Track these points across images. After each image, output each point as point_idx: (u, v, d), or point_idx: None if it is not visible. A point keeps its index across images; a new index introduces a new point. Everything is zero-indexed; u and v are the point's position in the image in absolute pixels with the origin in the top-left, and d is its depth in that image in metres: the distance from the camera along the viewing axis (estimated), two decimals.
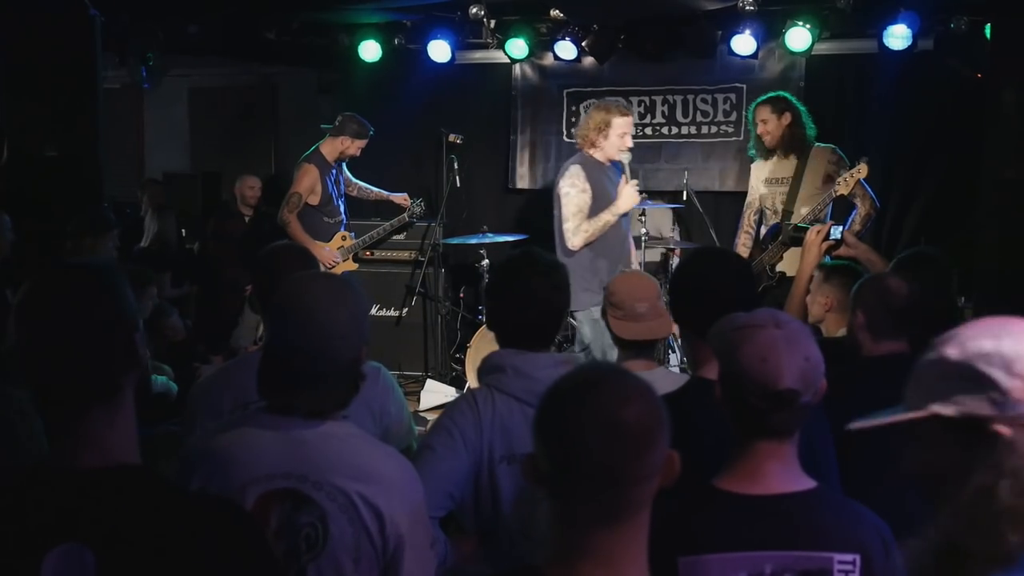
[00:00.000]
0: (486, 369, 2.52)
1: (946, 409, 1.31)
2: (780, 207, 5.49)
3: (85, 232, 5.23)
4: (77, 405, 1.49)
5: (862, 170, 4.94)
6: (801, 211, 5.34)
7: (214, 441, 2.02)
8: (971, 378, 1.30)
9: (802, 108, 5.55)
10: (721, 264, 2.64)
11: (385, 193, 6.88)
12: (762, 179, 5.65)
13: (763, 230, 5.57)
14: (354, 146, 6.40)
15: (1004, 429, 1.26)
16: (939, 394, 1.33)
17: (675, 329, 2.92)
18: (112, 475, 1.48)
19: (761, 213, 5.70)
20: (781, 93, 5.68)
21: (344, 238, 6.55)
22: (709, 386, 2.03)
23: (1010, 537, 1.22)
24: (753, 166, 5.80)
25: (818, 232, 3.87)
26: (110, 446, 1.50)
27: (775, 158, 5.56)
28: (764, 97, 5.64)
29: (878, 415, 1.45)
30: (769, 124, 5.50)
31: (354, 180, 6.76)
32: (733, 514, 1.87)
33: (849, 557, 1.81)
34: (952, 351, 1.34)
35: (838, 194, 5.00)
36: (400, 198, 6.85)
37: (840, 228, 3.97)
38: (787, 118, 5.48)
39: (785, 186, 5.51)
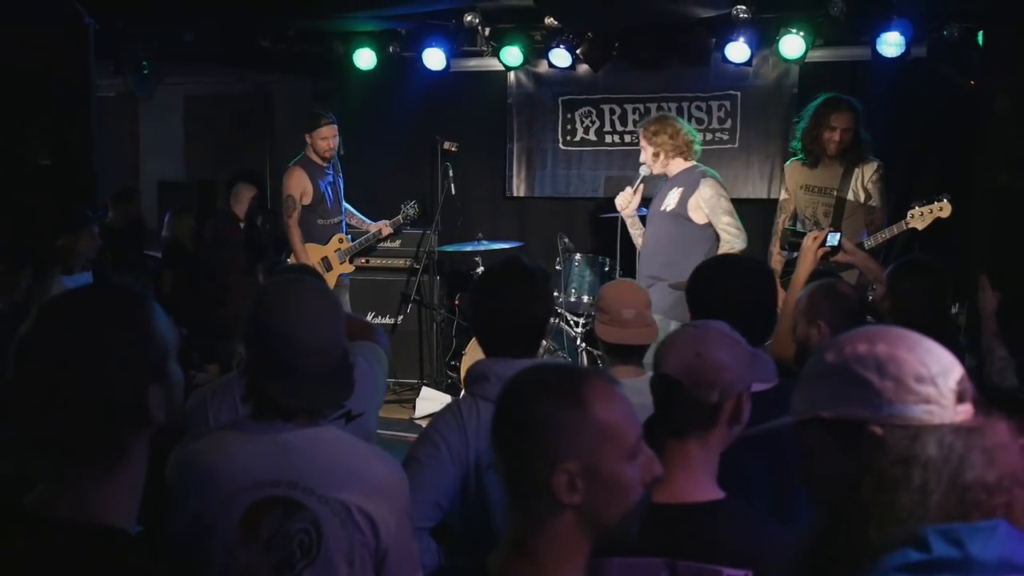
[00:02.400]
0: (471, 378, 2.54)
1: (825, 412, 1.36)
2: (822, 218, 5.26)
3: (61, 232, 5.17)
4: (67, 461, 1.32)
5: (944, 208, 4.57)
6: (874, 237, 5.01)
7: (196, 452, 2.00)
8: (847, 380, 1.34)
9: None
10: (733, 271, 2.66)
11: (367, 222, 6.85)
12: (800, 184, 5.40)
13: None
14: (320, 136, 6.27)
15: (876, 429, 1.30)
16: (818, 398, 1.37)
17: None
18: (86, 532, 1.30)
19: (795, 218, 5.47)
20: (850, 98, 5.28)
21: (341, 240, 6.55)
22: None
23: (872, 533, 1.25)
24: (788, 167, 5.56)
25: (815, 238, 3.87)
26: (96, 503, 1.32)
27: (820, 165, 5.30)
28: (844, 98, 5.26)
29: (770, 423, 1.52)
30: (849, 133, 5.16)
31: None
32: None
33: (740, 572, 1.82)
34: (830, 356, 1.38)
35: (910, 227, 4.68)
36: (375, 227, 6.81)
37: (838, 235, 3.95)
38: (859, 129, 5.20)
39: (827, 196, 5.27)
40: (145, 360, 1.33)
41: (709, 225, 5.23)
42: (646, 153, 5.37)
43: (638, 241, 5.61)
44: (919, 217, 4.65)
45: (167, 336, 1.39)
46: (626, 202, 5.52)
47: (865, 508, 1.27)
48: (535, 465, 1.42)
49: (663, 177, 5.43)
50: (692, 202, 5.21)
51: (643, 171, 5.41)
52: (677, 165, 5.34)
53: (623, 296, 3.11)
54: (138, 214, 8.02)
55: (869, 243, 4.92)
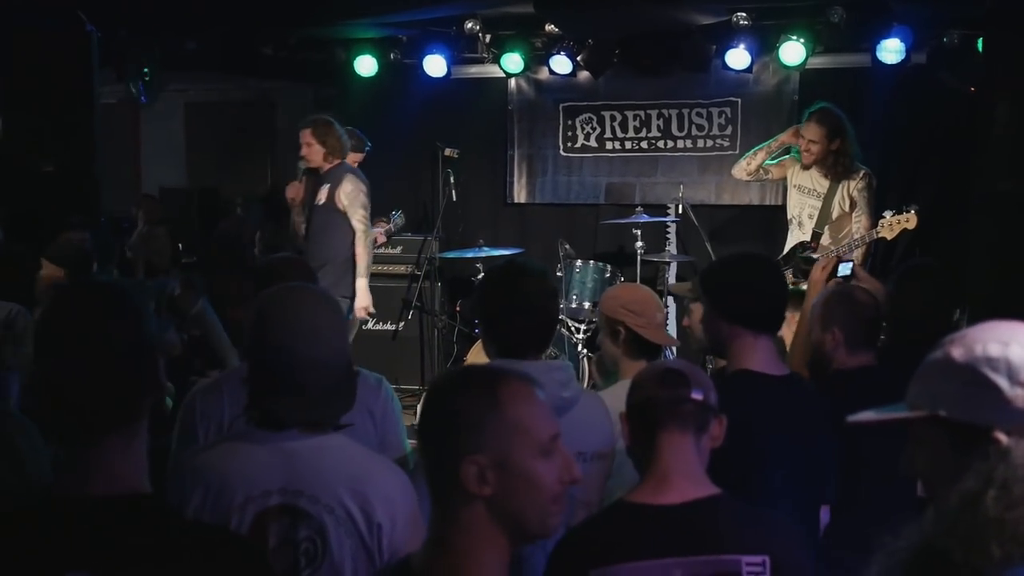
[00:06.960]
0: None
1: (945, 411, 1.29)
2: (807, 222, 5.38)
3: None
4: (96, 431, 1.46)
5: (911, 220, 4.60)
6: (839, 240, 5.10)
7: (207, 460, 2.01)
8: (974, 382, 1.27)
9: (851, 130, 5.31)
10: (757, 267, 2.71)
11: None
12: (794, 183, 5.51)
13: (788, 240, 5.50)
14: (351, 160, 6.40)
15: (1001, 437, 1.23)
16: (940, 395, 1.31)
17: None
18: (122, 503, 1.45)
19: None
20: (832, 108, 5.36)
21: None
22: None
23: (993, 549, 1.17)
24: (794, 159, 5.58)
25: (823, 269, 3.84)
26: (122, 473, 1.47)
27: (812, 168, 5.38)
28: (818, 108, 5.34)
29: (879, 411, 1.41)
30: (817, 146, 5.25)
31: None
32: (640, 524, 1.91)
33: (758, 559, 1.84)
34: (957, 352, 1.31)
35: (879, 236, 4.75)
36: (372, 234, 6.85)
37: (850, 265, 3.91)
38: (836, 144, 5.24)
39: (815, 199, 5.37)
40: (153, 334, 1.53)
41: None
42: (311, 148, 5.93)
43: (302, 229, 6.25)
44: (887, 227, 4.70)
45: (155, 319, 1.59)
46: (296, 192, 6.24)
47: (989, 524, 1.18)
48: (447, 457, 1.48)
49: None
50: (337, 195, 5.88)
51: (301, 164, 6.11)
52: (329, 163, 5.95)
53: (652, 300, 3.18)
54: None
55: (843, 250, 4.96)
